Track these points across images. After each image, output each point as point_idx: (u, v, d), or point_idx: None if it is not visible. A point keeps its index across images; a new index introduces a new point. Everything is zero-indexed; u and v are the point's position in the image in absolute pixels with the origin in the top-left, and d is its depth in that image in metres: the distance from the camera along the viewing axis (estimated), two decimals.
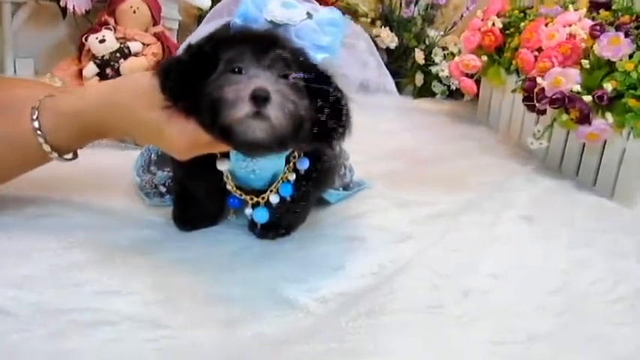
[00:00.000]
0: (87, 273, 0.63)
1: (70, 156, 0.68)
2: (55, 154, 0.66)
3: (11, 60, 1.24)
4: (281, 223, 0.74)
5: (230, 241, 0.73)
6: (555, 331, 0.66)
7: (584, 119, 0.96)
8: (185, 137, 0.62)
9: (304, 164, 0.70)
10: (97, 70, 1.16)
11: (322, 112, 0.60)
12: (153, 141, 0.68)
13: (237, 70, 0.59)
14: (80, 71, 1.17)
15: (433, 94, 1.59)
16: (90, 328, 0.57)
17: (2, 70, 1.25)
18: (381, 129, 1.19)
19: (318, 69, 0.61)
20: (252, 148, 0.61)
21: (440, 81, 1.57)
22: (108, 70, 1.17)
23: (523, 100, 1.12)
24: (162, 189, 0.80)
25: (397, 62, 1.61)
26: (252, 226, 0.75)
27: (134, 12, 1.20)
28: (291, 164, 0.71)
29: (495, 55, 1.32)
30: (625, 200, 0.98)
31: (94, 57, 1.17)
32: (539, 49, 1.13)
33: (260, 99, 0.56)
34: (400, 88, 1.60)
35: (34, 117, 0.64)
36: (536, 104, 1.05)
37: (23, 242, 0.66)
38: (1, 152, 0.65)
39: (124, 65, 1.16)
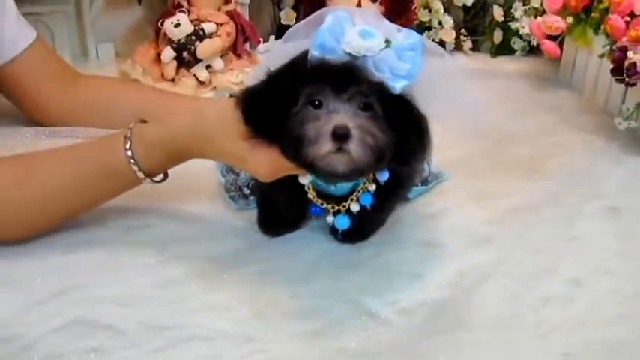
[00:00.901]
0: (183, 289, 0.68)
1: (159, 178, 0.72)
2: (147, 180, 0.70)
3: (93, 45, 1.29)
4: (362, 229, 0.76)
5: (311, 248, 0.76)
6: (635, 341, 0.66)
7: None
8: (269, 165, 0.65)
9: (384, 176, 0.71)
10: (174, 54, 1.19)
11: (404, 139, 0.61)
12: (237, 166, 0.71)
13: (317, 102, 0.60)
14: (158, 56, 1.21)
15: (512, 51, 1.51)
16: (189, 344, 0.61)
17: (85, 55, 1.31)
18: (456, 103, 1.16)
19: (397, 96, 0.60)
20: (333, 179, 0.63)
21: (520, 37, 1.49)
22: (184, 54, 1.19)
23: (611, 72, 1.05)
24: (246, 191, 0.83)
25: (474, 20, 1.53)
26: (333, 230, 0.77)
27: None
28: (372, 175, 0.72)
29: (582, 14, 1.24)
30: None
31: (170, 41, 1.19)
32: (632, 14, 1.05)
33: (341, 136, 0.57)
34: (477, 47, 1.54)
35: (127, 147, 0.68)
36: (626, 79, 0.99)
37: (122, 257, 0.71)
38: (97, 180, 0.70)
39: (200, 48, 1.19)
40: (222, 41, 1.21)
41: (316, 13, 0.64)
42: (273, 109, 0.61)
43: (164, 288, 0.68)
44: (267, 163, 0.65)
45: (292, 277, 0.71)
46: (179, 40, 1.19)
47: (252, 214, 0.80)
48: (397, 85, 0.58)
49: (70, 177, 0.70)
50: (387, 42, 0.59)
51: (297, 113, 0.60)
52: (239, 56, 1.25)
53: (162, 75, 1.21)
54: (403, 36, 0.60)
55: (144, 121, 0.72)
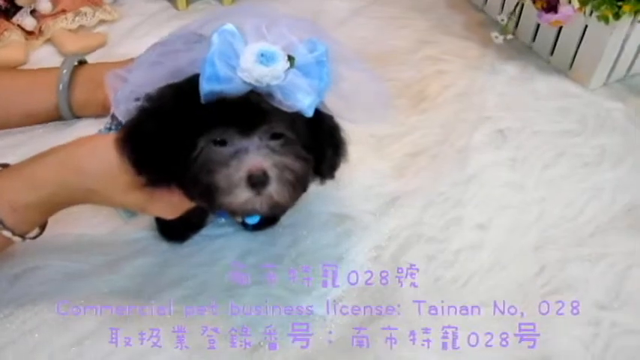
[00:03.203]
0: (104, 346, 0.62)
1: (34, 234, 0.62)
2: (23, 240, 0.60)
3: None
4: (272, 216, 0.73)
5: (226, 252, 0.71)
6: (538, 273, 0.73)
7: (551, 9, 0.91)
8: (173, 208, 0.58)
9: None
10: None
11: (321, 156, 0.57)
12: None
13: (219, 140, 0.52)
14: None
15: None
16: None
17: None
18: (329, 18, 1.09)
19: (309, 118, 0.54)
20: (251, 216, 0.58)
21: None
22: None
23: None
24: None
25: None
26: (242, 223, 0.73)
27: None
28: None
29: None
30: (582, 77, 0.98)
31: None
32: None
33: (258, 183, 0.51)
34: None
35: None
36: None
37: (18, 319, 0.63)
38: None
39: None
40: None
41: (193, 27, 0.53)
42: (168, 154, 0.52)
43: (88, 347, 0.61)
44: (169, 207, 0.58)
45: (216, 294, 0.67)
46: None
47: (149, 218, 0.72)
48: (308, 106, 0.52)
49: None
50: (291, 59, 0.51)
51: (199, 157, 0.52)
52: None
53: None
54: (306, 47, 0.52)
55: (3, 165, 0.59)
